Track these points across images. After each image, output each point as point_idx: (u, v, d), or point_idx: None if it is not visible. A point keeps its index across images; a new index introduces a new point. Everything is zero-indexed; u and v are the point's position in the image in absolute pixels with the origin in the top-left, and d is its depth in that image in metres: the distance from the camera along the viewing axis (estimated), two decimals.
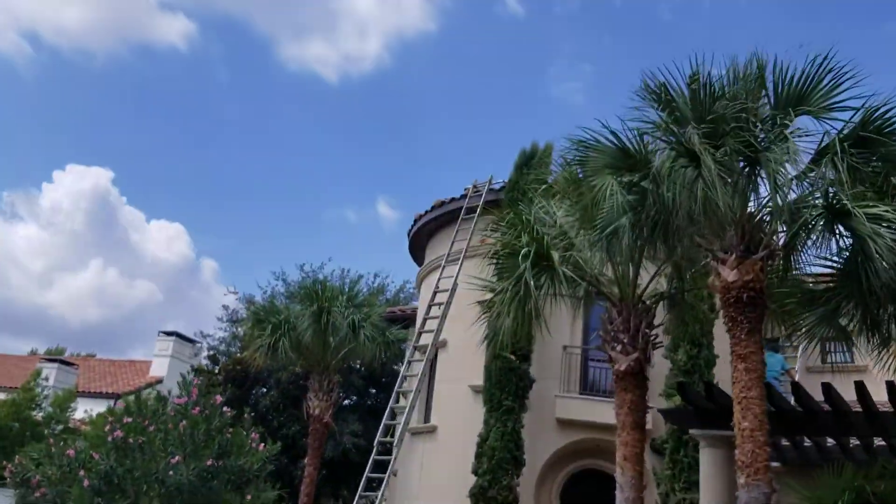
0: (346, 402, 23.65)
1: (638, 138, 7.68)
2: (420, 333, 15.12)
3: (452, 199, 17.30)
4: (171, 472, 7.97)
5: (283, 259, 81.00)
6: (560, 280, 9.08)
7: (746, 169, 7.23)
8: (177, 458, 8.04)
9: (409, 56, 57.15)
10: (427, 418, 16.36)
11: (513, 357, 14.39)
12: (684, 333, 13.75)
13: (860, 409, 9.69)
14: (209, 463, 8.35)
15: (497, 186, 16.56)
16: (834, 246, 7.21)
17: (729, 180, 6.93)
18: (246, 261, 65.08)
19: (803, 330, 8.68)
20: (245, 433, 9.10)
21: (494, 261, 9.51)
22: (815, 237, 7.06)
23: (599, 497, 15.29)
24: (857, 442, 11.23)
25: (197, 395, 8.71)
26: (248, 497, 8.45)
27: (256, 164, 59.17)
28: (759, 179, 7.22)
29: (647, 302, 9.75)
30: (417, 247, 19.51)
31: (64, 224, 62.68)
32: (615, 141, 7.70)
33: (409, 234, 19.30)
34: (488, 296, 15.23)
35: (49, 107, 63.64)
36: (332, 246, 68.53)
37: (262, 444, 9.08)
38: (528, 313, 9.11)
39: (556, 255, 8.98)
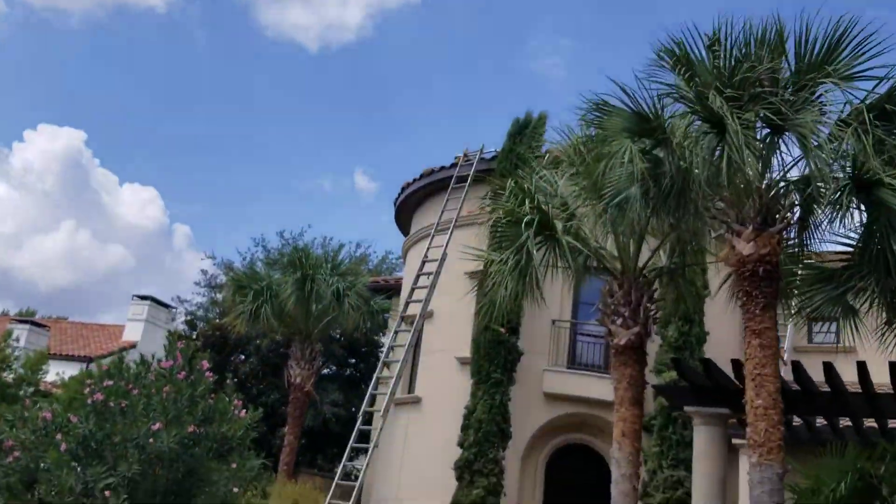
0: (326, 371, 23.35)
1: (655, 102, 7.32)
2: (408, 303, 14.80)
3: (442, 168, 16.90)
4: (151, 439, 7.57)
5: (257, 227, 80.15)
6: (563, 251, 8.74)
7: (769, 137, 6.93)
8: (158, 424, 7.65)
9: (391, 26, 56.17)
10: (411, 389, 16.08)
11: (502, 329, 14.12)
12: (676, 309, 13.54)
13: (859, 391, 9.56)
14: (191, 429, 7.97)
15: (488, 156, 16.18)
16: (856, 218, 6.93)
17: (752, 148, 6.60)
18: (219, 227, 64.28)
19: (809, 308, 8.43)
20: (228, 399, 8.73)
21: (495, 229, 9.14)
22: (836, 210, 6.76)
23: (585, 471, 15.21)
24: (850, 423, 11.15)
25: (182, 359, 8.30)
26: (234, 466, 8.08)
27: (232, 130, 58.14)
28: (780, 147, 6.91)
29: (648, 276, 9.48)
30: (404, 216, 19.11)
31: (35, 185, 61.34)
32: (631, 104, 7.35)
33: (395, 203, 18.88)
34: (481, 266, 14.96)
35: (21, 65, 62.08)
36: (307, 215, 67.95)
37: (245, 411, 8.71)
38: (527, 284, 8.78)
39: (559, 225, 8.65)
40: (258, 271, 17.70)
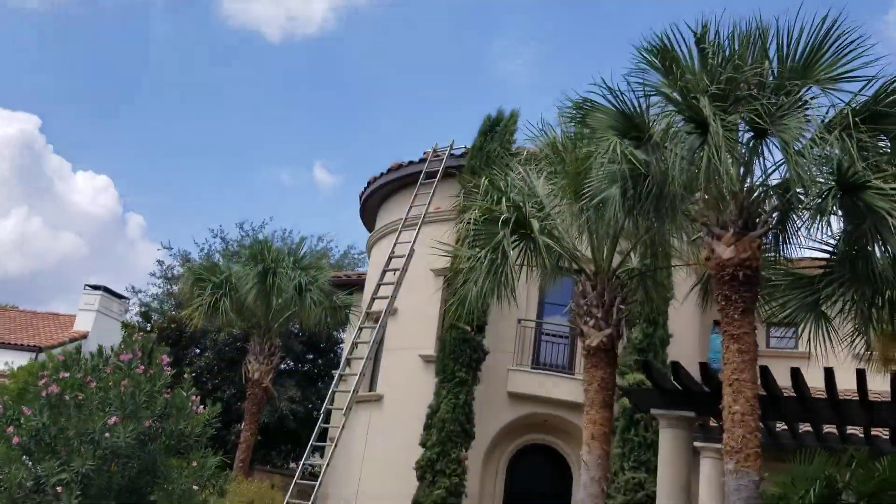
0: (284, 366, 22.93)
1: (638, 102, 7.21)
2: (373, 299, 14.55)
3: (411, 163, 16.68)
4: (107, 434, 7.24)
5: (214, 219, 78.61)
6: (538, 250, 8.61)
7: (752, 140, 6.87)
8: (114, 418, 7.32)
9: (356, 21, 55.46)
10: (373, 386, 15.84)
11: (468, 328, 13.96)
12: (641, 311, 13.53)
13: (825, 397, 9.62)
14: (148, 424, 7.65)
15: (458, 152, 16.01)
16: (835, 226, 6.91)
17: (734, 151, 6.53)
18: (175, 218, 62.98)
19: (784, 314, 8.42)
20: (185, 395, 8.42)
21: (469, 226, 8.96)
22: (818, 216, 6.72)
23: (546, 472, 15.16)
24: (809, 429, 11.25)
25: (141, 353, 7.96)
26: (194, 463, 7.77)
27: (189, 120, 56.93)
28: (763, 151, 6.86)
29: (621, 277, 9.40)
30: (369, 211, 18.85)
31: None
32: (616, 102, 7.23)
33: (361, 197, 18.61)
34: (449, 263, 14.76)
35: None
36: (265, 207, 66.76)
37: (203, 407, 8.41)
38: (500, 283, 8.63)
39: (535, 224, 8.50)
40: (217, 264, 17.24)
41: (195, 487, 7.87)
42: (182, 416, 8.25)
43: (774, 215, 7.15)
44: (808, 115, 6.38)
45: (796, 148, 6.47)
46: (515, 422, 14.54)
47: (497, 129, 15.14)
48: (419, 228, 14.98)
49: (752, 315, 6.77)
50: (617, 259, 9.39)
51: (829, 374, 9.07)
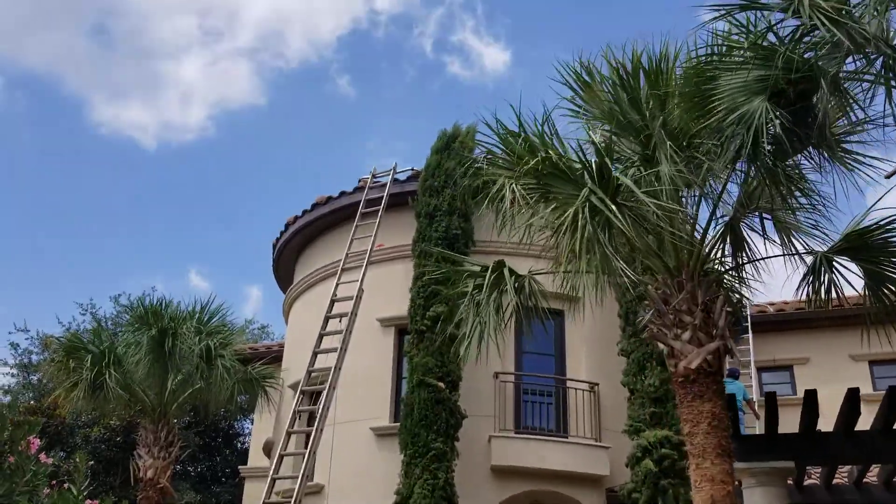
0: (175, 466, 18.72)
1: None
2: (315, 354, 11.20)
3: (343, 194, 13.73)
4: None
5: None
6: (624, 217, 5.77)
7: None
8: None
9: (235, 129, 52.57)
10: (309, 475, 12.28)
11: (441, 385, 10.91)
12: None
13: None
14: None
15: (403, 177, 13.25)
16: None
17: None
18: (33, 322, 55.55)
19: None
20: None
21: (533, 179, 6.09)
22: None
23: None
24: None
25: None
26: None
27: (56, 229, 50.92)
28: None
29: (709, 271, 6.82)
30: (284, 264, 15.58)
31: None
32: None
33: (275, 247, 15.36)
34: (402, 311, 11.78)
35: None
36: None
37: None
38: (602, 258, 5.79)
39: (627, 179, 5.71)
40: (99, 327, 13.34)
41: None
42: None
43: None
44: None
45: None
46: None
47: (453, 146, 12.56)
48: (366, 266, 11.94)
49: None
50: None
51: None
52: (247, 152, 50.58)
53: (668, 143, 5.54)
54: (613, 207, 5.43)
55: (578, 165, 5.88)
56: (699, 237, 6.71)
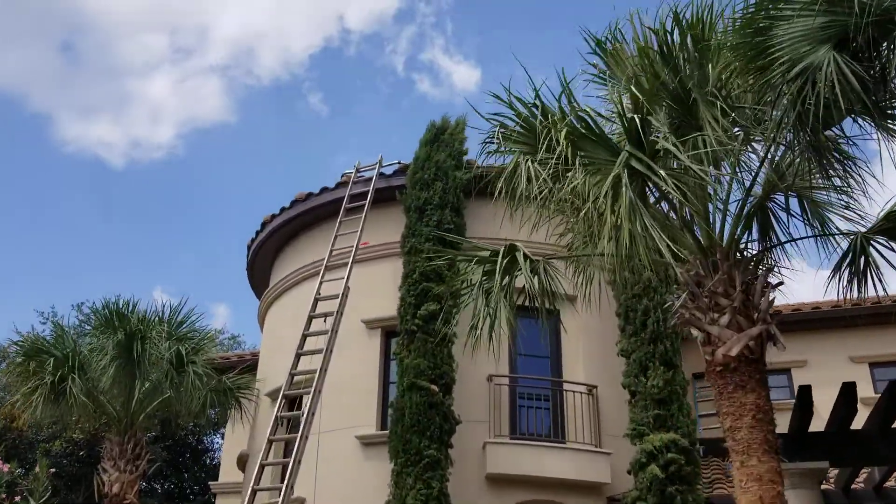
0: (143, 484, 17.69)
1: None
2: (298, 356, 10.42)
3: (324, 190, 13.02)
4: None
5: None
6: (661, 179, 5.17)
7: None
8: None
9: (205, 146, 51.47)
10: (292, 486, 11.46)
11: (434, 387, 10.23)
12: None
13: None
14: None
15: (389, 171, 12.59)
16: None
17: None
18: None
19: None
20: None
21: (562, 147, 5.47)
22: None
23: None
24: None
25: None
26: None
27: (17, 244, 49.10)
28: None
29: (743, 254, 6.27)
30: (260, 265, 14.78)
31: None
32: None
33: (250, 248, 14.56)
34: (392, 311, 11.15)
35: None
36: None
37: None
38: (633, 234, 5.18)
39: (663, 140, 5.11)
40: (62, 331, 12.39)
41: None
42: None
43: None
44: None
45: None
46: None
47: (443, 138, 11.95)
48: (352, 262, 11.23)
49: None
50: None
51: None
52: (217, 169, 49.79)
53: (718, 102, 4.97)
54: (660, 171, 4.85)
55: (612, 129, 5.31)
56: (734, 214, 6.18)
